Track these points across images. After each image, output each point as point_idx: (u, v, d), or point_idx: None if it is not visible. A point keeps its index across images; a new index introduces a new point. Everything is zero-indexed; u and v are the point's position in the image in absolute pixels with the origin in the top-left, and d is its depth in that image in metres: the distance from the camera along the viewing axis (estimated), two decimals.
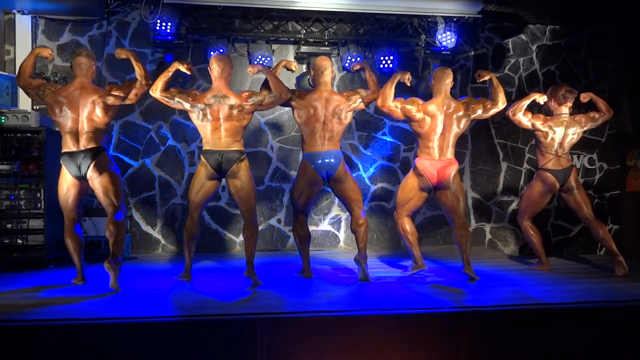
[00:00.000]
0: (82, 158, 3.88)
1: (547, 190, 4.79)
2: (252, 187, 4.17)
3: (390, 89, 4.29)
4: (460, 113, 4.30)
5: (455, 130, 4.32)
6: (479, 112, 4.35)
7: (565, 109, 4.75)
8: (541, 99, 4.73)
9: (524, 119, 4.72)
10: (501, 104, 4.36)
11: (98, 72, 4.21)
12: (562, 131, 4.71)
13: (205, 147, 4.13)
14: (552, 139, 4.73)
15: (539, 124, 4.72)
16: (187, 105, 4.08)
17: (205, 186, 4.13)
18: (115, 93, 3.97)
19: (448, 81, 4.36)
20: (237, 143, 4.12)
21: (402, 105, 4.31)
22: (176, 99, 4.07)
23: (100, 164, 3.91)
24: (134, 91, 4.00)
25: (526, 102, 4.70)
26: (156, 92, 4.05)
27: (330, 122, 4.22)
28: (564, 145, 4.75)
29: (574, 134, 4.75)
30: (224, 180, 4.20)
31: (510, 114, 4.73)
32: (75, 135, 3.91)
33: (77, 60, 4.00)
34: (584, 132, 4.84)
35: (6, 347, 2.94)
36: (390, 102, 4.28)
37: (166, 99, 4.07)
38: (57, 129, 4.12)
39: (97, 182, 3.92)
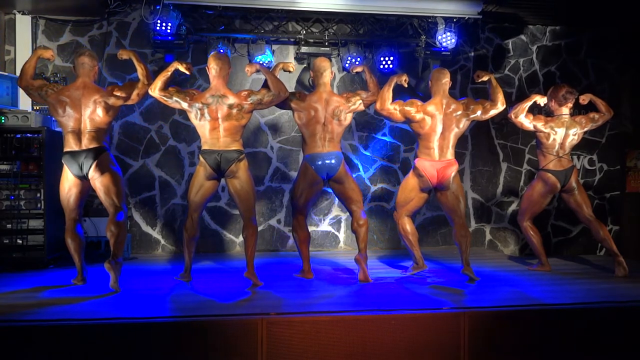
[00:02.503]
0: (84, 157, 3.88)
1: (548, 190, 4.80)
2: (251, 187, 4.16)
3: (387, 92, 4.29)
4: (460, 112, 4.30)
5: (455, 130, 4.32)
6: (478, 112, 4.35)
7: (565, 110, 4.75)
8: (541, 100, 4.73)
9: (526, 121, 4.73)
10: (500, 105, 4.36)
11: (99, 72, 4.21)
12: (563, 132, 4.72)
13: (204, 146, 4.12)
14: (554, 139, 4.74)
15: (540, 125, 4.73)
16: (185, 105, 4.08)
17: (205, 186, 4.13)
18: (117, 93, 3.97)
19: (445, 80, 4.37)
20: (236, 143, 4.11)
21: (400, 107, 4.31)
22: (174, 98, 4.07)
23: (102, 164, 3.91)
24: (135, 91, 4.01)
25: (527, 104, 4.70)
26: (155, 91, 4.05)
27: (330, 123, 4.22)
28: (564, 146, 4.76)
29: (574, 134, 4.75)
30: (224, 180, 4.20)
31: (512, 117, 4.74)
32: (78, 135, 3.91)
33: (79, 60, 4.00)
34: (585, 132, 4.84)
35: (6, 347, 2.94)
36: (389, 105, 4.28)
37: (164, 98, 4.07)
38: (57, 128, 4.12)
39: (98, 182, 3.92)
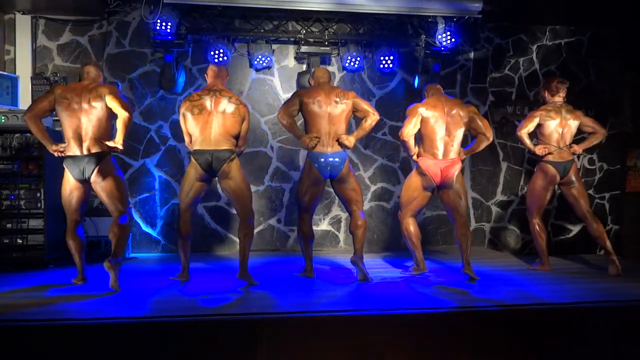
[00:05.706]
0: (86, 162, 3.87)
1: (548, 182, 4.83)
2: (246, 186, 4.15)
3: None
4: (461, 113, 4.32)
5: (460, 129, 4.33)
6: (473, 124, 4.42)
7: (558, 99, 4.85)
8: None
9: (530, 128, 4.81)
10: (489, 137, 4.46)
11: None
12: (559, 118, 4.78)
13: (195, 146, 4.08)
14: (553, 128, 4.78)
15: (543, 116, 4.79)
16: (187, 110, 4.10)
17: (195, 187, 4.11)
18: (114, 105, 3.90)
19: (439, 87, 4.56)
20: (228, 142, 4.08)
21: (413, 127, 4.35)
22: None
23: (105, 169, 3.90)
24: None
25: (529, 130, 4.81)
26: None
27: (335, 107, 4.21)
28: (564, 136, 4.80)
29: (570, 119, 4.79)
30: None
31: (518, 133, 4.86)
32: (79, 139, 3.89)
33: (86, 69, 4.05)
34: (578, 125, 4.86)
35: (6, 347, 2.94)
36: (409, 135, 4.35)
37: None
38: (57, 128, 4.10)
39: (101, 187, 3.91)
